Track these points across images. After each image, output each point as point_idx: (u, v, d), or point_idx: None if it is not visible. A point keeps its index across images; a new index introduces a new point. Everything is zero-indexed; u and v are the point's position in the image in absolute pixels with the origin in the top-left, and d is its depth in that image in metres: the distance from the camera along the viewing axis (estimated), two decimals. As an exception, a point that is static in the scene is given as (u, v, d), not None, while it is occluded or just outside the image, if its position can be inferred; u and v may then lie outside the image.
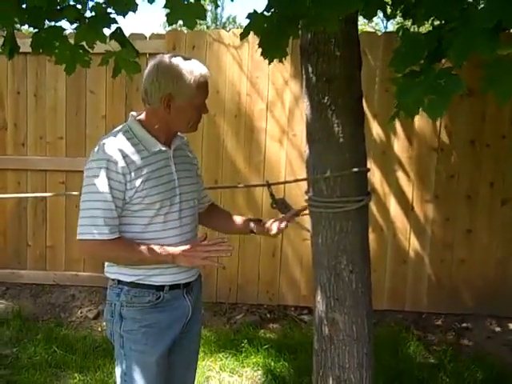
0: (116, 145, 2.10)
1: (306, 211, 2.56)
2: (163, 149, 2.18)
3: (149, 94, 2.13)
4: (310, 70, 2.37)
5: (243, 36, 1.87)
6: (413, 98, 1.53)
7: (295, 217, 2.48)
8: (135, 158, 2.10)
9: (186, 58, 2.14)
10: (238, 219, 2.55)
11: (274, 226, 2.42)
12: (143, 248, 2.10)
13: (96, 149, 2.13)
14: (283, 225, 2.41)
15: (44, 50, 2.25)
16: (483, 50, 1.36)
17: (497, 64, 1.40)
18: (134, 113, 2.25)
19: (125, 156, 2.08)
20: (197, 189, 2.36)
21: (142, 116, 2.21)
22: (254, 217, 2.59)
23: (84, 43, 2.25)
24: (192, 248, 2.14)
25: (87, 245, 2.13)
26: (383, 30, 6.83)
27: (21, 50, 2.50)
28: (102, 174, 2.05)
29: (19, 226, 5.07)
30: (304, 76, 2.44)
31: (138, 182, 2.09)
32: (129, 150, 2.11)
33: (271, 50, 1.80)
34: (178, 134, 2.30)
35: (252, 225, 2.48)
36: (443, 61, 1.61)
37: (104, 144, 2.11)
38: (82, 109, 4.91)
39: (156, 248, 2.11)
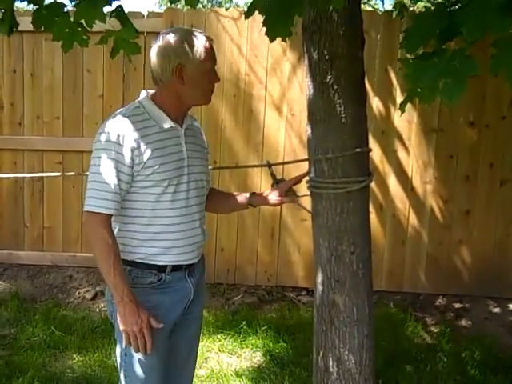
0: (126, 119, 2.09)
1: (307, 192, 2.54)
2: (174, 126, 2.17)
3: (160, 71, 2.13)
4: (312, 48, 2.32)
5: (248, 15, 1.82)
6: (427, 81, 1.49)
7: (295, 184, 2.49)
8: (145, 132, 2.09)
9: (186, 29, 2.21)
10: (235, 196, 2.55)
11: (273, 196, 2.45)
12: (119, 265, 2.05)
13: (105, 123, 2.11)
14: (286, 199, 2.46)
15: (45, 27, 2.20)
16: (497, 28, 1.32)
17: (508, 42, 1.37)
18: (145, 91, 2.24)
19: (133, 130, 2.07)
20: (205, 171, 2.33)
21: (153, 93, 2.21)
22: (249, 192, 2.56)
23: (83, 21, 2.20)
24: (138, 316, 2.03)
25: (90, 217, 2.06)
26: (382, 9, 6.82)
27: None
28: (109, 147, 2.04)
29: (16, 206, 5.04)
30: (306, 55, 2.39)
31: (145, 157, 2.07)
32: (139, 124, 2.09)
33: (275, 29, 1.75)
34: (190, 114, 2.29)
35: (251, 198, 2.48)
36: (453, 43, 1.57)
37: (114, 118, 2.11)
38: (79, 88, 4.86)
39: (124, 278, 2.06)
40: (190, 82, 2.12)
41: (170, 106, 2.17)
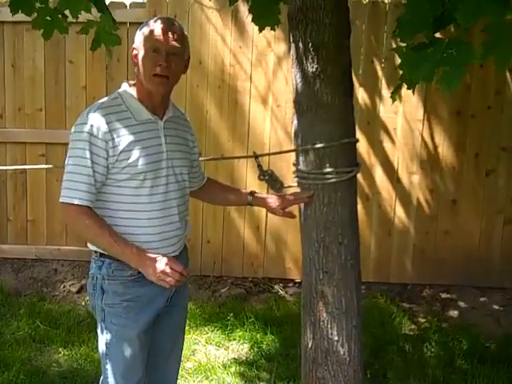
0: (102, 111, 2.08)
1: (294, 183, 2.52)
2: (152, 118, 2.15)
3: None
4: (299, 38, 2.29)
5: (232, 1, 1.80)
6: (424, 72, 1.47)
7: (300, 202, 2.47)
8: (120, 125, 2.08)
9: (158, 16, 2.22)
10: (234, 192, 2.58)
11: (274, 205, 2.46)
12: (115, 235, 2.07)
13: (83, 114, 2.11)
14: (288, 214, 2.49)
15: (23, 11, 2.16)
16: (492, 14, 1.30)
17: (499, 29, 1.35)
18: (126, 82, 2.23)
19: (108, 122, 2.06)
20: (188, 165, 2.30)
21: (134, 84, 2.20)
22: (251, 189, 2.55)
23: (68, 12, 2.16)
24: (157, 259, 2.06)
25: (66, 209, 2.10)
26: None
27: (-3, 20, 2.42)
28: (84, 138, 2.04)
29: (-1, 199, 4.98)
30: (292, 44, 2.36)
31: (119, 150, 2.06)
32: (114, 116, 2.08)
33: (262, 17, 1.73)
34: (174, 105, 2.28)
35: (250, 198, 2.48)
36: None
37: (90, 109, 2.10)
38: (61, 79, 4.79)
39: (126, 242, 2.07)
40: (140, 64, 2.12)
41: (143, 95, 2.16)
